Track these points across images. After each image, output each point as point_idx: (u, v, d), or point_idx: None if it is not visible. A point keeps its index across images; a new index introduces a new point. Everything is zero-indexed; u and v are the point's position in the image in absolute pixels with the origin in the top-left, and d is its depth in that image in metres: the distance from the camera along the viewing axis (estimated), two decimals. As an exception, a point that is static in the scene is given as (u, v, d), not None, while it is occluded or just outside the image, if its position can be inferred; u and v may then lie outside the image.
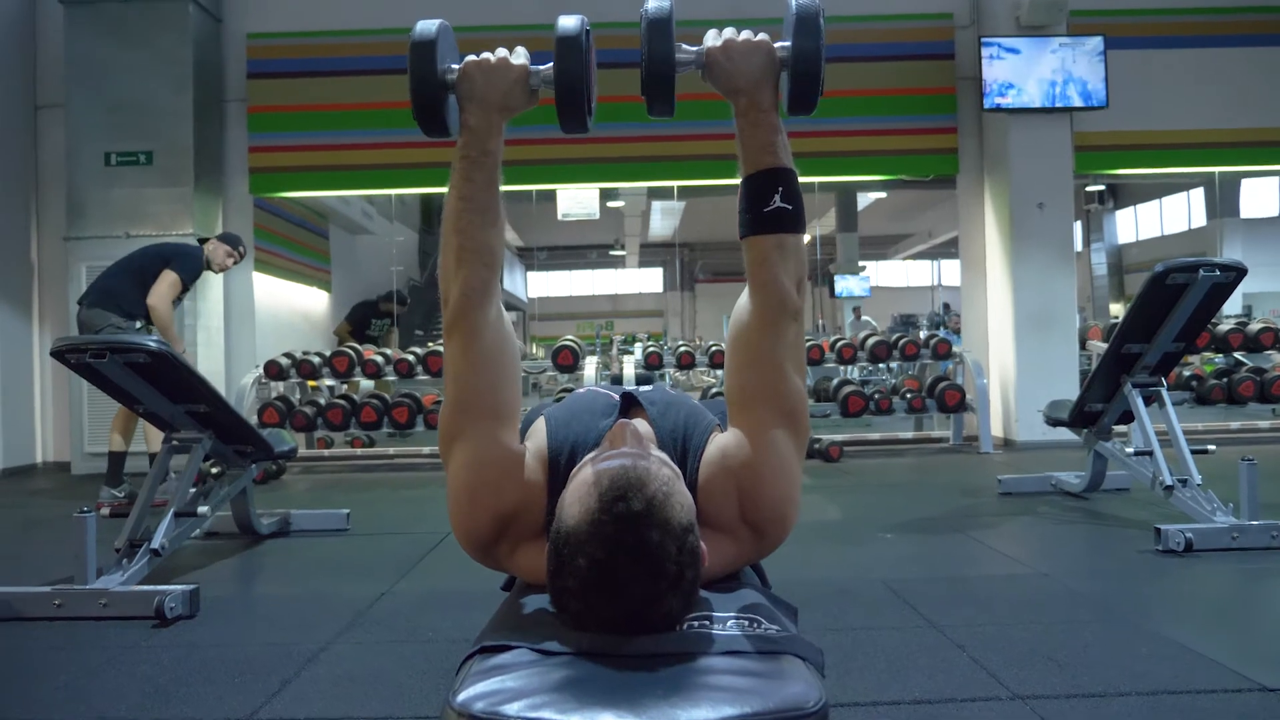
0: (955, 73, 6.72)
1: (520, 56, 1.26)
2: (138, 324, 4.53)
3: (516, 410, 1.26)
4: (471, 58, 1.26)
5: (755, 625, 1.02)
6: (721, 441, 1.24)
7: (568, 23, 1.22)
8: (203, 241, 5.08)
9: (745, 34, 1.23)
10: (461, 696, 0.87)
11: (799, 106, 1.26)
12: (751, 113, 1.23)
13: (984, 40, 6.34)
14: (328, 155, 6.73)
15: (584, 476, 1.02)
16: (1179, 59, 6.67)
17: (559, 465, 1.22)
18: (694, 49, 1.24)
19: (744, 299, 1.26)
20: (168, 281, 4.56)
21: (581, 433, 1.26)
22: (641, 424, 1.24)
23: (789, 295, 1.23)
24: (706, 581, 1.09)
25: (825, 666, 1.00)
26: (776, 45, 1.23)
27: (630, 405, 1.35)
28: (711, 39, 1.24)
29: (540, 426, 1.31)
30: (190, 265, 4.69)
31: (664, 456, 1.11)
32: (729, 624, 1.02)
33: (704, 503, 1.17)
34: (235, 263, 5.02)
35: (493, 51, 1.27)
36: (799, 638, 1.01)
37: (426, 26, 1.24)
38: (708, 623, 1.01)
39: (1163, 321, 3.41)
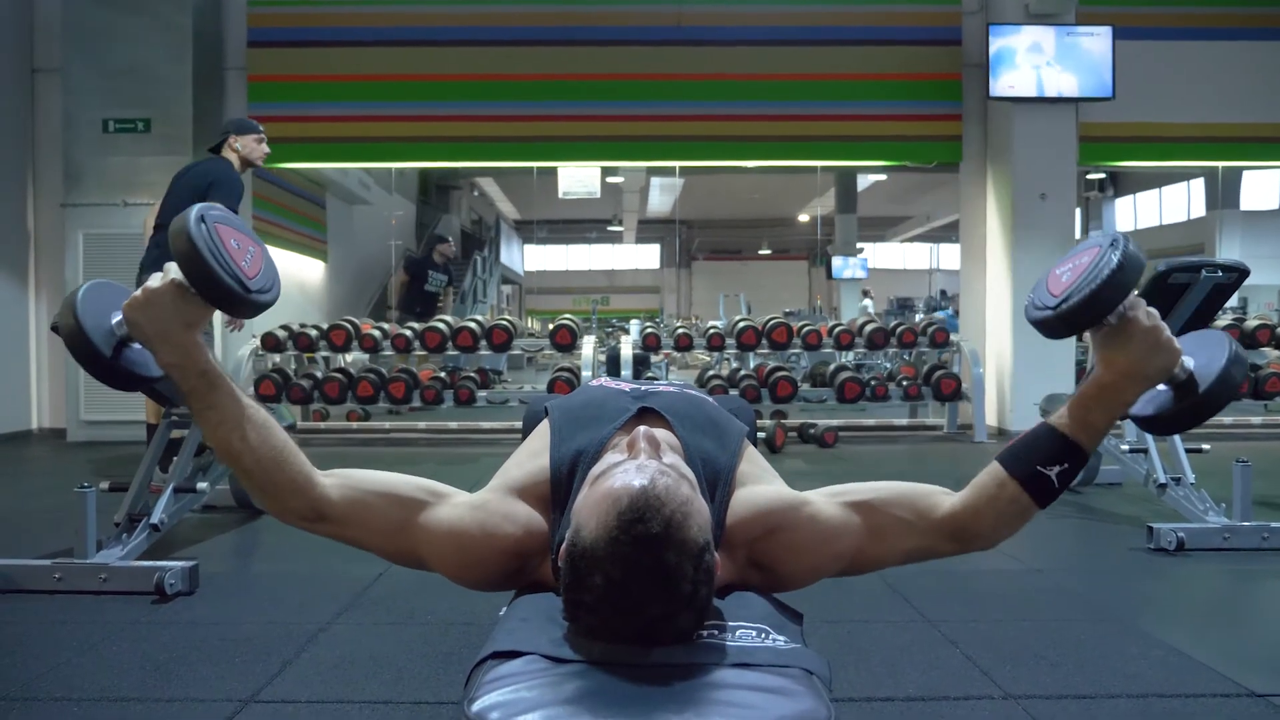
0: (962, 59, 6.69)
1: (169, 273, 1.16)
2: None
3: (429, 484, 1.27)
4: (127, 300, 1.18)
5: (764, 636, 1.03)
6: (794, 503, 1.24)
7: (178, 223, 1.14)
8: (216, 150, 4.41)
9: (1165, 328, 1.18)
10: (477, 706, 0.89)
11: (1161, 427, 1.23)
12: (1111, 397, 1.18)
13: (992, 27, 6.31)
14: (328, 127, 6.68)
15: (603, 490, 1.03)
16: (1187, 51, 6.65)
17: (561, 479, 1.23)
18: (1121, 306, 1.17)
19: (959, 496, 1.26)
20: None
21: (586, 444, 1.26)
22: (663, 433, 1.24)
23: (979, 538, 1.25)
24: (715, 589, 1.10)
25: (832, 680, 1.02)
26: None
27: (647, 413, 1.34)
28: (1137, 307, 1.16)
29: (544, 431, 1.31)
30: (232, 191, 4.15)
31: (683, 468, 1.12)
32: (739, 634, 1.03)
33: (732, 530, 1.21)
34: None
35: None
36: (807, 651, 1.03)
37: (66, 304, 1.18)
38: (718, 632, 1.03)
39: (1163, 320, 3.41)
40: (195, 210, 1.14)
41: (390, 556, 1.27)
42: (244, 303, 1.17)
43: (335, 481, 1.25)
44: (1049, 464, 1.19)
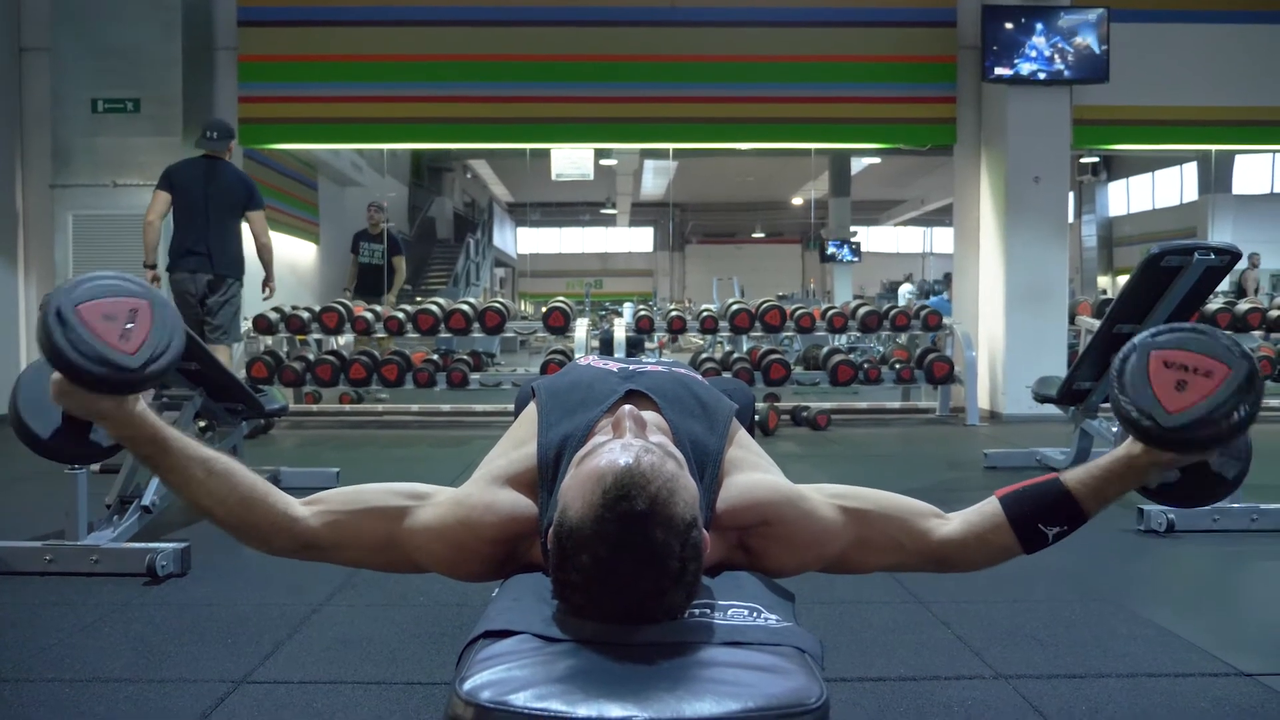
0: (957, 41, 6.65)
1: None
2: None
3: (409, 489, 1.28)
4: (50, 392, 1.17)
5: (755, 614, 1.03)
6: (792, 497, 1.23)
7: (40, 319, 1.13)
8: (213, 148, 5.05)
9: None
10: (469, 685, 0.88)
11: (1173, 501, 1.31)
12: (1136, 477, 1.22)
13: (987, 8, 6.28)
14: (319, 107, 6.62)
15: (588, 469, 1.02)
16: (1181, 34, 6.62)
17: (548, 464, 1.23)
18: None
19: (953, 528, 1.27)
20: (265, 219, 5.13)
21: (572, 429, 1.25)
22: (651, 414, 1.24)
23: (960, 568, 1.29)
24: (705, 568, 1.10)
25: (824, 658, 1.02)
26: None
27: (634, 396, 1.33)
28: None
29: (531, 416, 1.31)
30: (259, 193, 5.14)
31: (669, 446, 1.11)
32: (730, 612, 1.03)
33: (725, 515, 1.20)
34: None
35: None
36: (799, 629, 1.03)
37: (12, 394, 1.19)
38: (709, 610, 1.03)
39: (1155, 303, 3.42)
40: (54, 303, 1.11)
41: (387, 568, 1.29)
42: (127, 384, 1.13)
43: (315, 509, 1.25)
44: (1051, 524, 1.22)
